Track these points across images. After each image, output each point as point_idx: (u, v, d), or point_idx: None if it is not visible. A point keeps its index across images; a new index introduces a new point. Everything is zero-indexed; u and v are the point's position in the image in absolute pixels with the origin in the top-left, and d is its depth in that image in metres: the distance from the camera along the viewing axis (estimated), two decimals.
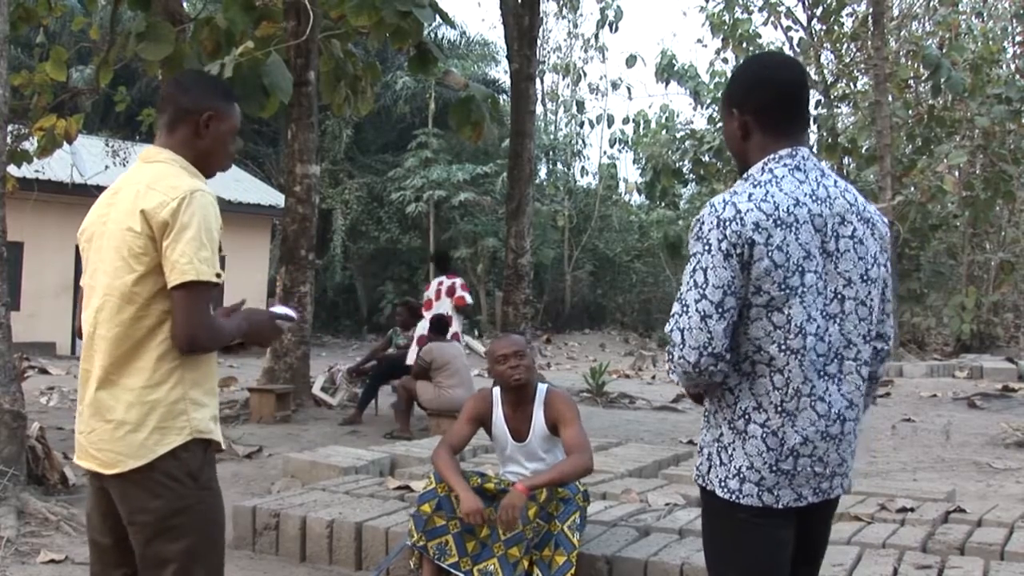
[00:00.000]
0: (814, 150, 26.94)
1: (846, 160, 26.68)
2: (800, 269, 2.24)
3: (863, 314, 2.36)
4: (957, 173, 23.38)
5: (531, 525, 4.14)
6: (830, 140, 25.35)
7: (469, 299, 10.53)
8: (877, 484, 6.15)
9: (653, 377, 17.60)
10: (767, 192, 2.27)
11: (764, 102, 2.39)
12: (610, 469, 6.25)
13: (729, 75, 2.53)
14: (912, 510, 5.06)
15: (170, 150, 2.68)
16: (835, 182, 2.38)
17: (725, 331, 2.22)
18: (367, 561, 4.82)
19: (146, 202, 2.51)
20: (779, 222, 2.23)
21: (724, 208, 2.25)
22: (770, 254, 2.21)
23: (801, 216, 2.26)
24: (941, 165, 22.25)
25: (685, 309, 2.25)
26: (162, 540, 2.50)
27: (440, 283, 10.47)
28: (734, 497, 2.33)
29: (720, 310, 2.21)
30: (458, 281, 10.49)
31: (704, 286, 2.22)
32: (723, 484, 2.35)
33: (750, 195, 2.27)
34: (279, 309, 2.94)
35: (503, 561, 4.15)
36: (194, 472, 2.56)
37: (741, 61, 26.94)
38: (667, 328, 2.30)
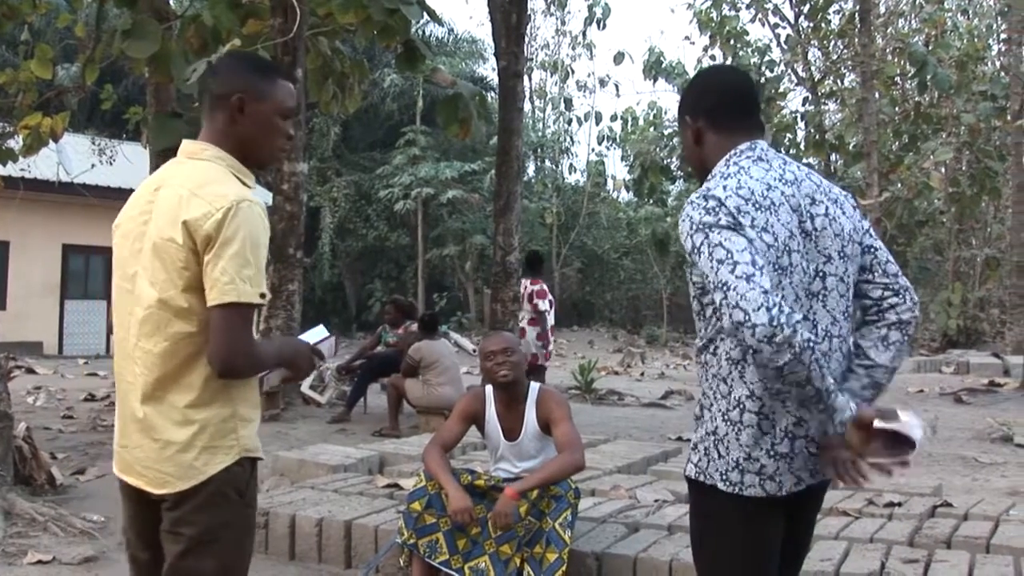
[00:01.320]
0: (802, 147, 27.02)
1: (833, 157, 26.76)
2: (787, 248, 2.26)
3: (842, 291, 2.38)
4: (943, 170, 23.51)
5: (523, 523, 4.15)
6: (817, 137, 25.42)
7: (542, 306, 10.62)
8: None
9: (642, 374, 17.64)
10: (739, 181, 2.30)
11: (712, 103, 2.48)
12: (599, 466, 6.26)
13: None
14: (899, 505, 5.08)
15: (213, 144, 2.49)
16: (798, 167, 2.43)
17: (774, 285, 2.18)
18: (356, 559, 4.82)
19: (189, 211, 2.32)
20: (758, 206, 2.25)
21: (705, 200, 2.26)
22: (759, 234, 2.22)
23: (776, 199, 2.29)
24: (927, 162, 22.34)
25: (726, 287, 2.14)
26: (199, 555, 2.39)
27: (524, 287, 10.63)
28: (737, 489, 2.31)
29: (757, 267, 2.14)
30: (535, 289, 10.57)
31: (729, 256, 2.16)
32: (724, 477, 2.33)
33: (724, 186, 2.29)
34: (316, 334, 2.78)
35: (494, 559, 4.15)
36: (241, 489, 2.45)
37: (729, 60, 26.89)
38: (724, 323, 2.16)
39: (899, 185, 23.01)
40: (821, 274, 2.33)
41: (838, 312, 2.37)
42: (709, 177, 2.42)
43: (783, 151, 27.92)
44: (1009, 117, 21.80)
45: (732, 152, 2.42)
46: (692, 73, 30.06)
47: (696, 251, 2.23)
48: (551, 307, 10.72)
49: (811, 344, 2.11)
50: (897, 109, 25.00)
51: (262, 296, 2.34)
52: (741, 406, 2.31)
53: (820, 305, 2.33)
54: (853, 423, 2.19)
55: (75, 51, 13.49)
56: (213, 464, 2.38)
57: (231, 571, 2.47)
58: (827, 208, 2.38)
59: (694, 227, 2.25)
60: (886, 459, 2.23)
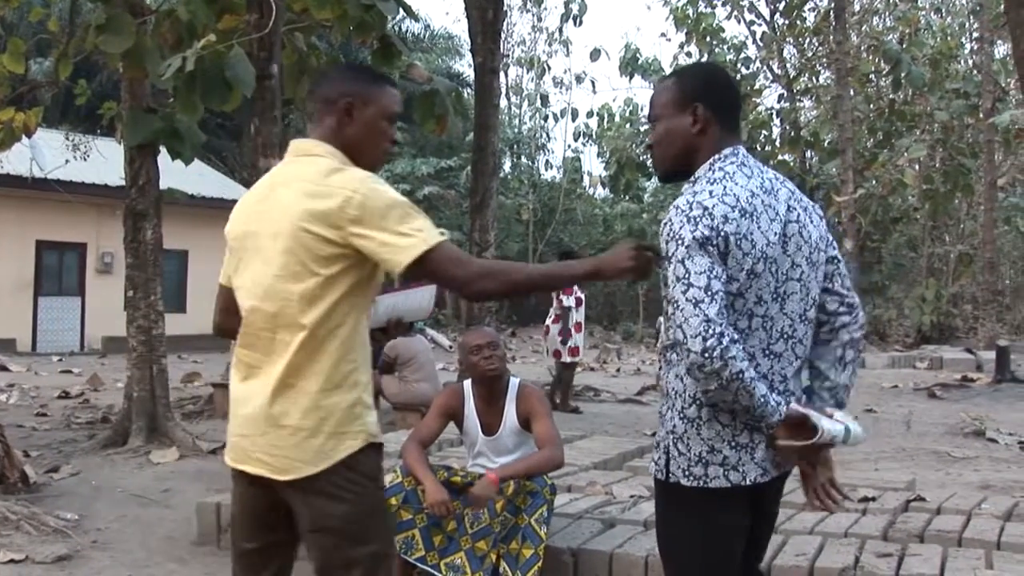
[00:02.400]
0: (777, 144, 27.15)
1: (808, 154, 26.91)
2: (763, 255, 2.34)
3: (803, 296, 2.46)
4: (917, 167, 23.67)
5: (498, 518, 4.15)
6: (793, 134, 25.56)
7: (567, 302, 10.91)
8: (839, 474, 6.20)
9: (618, 370, 17.70)
10: (725, 187, 2.36)
11: (723, 99, 2.53)
12: (575, 462, 6.27)
13: (681, 73, 2.60)
14: (874, 499, 5.12)
15: (323, 142, 2.57)
16: (774, 175, 2.51)
17: (719, 313, 2.24)
18: None
19: (322, 203, 2.39)
20: (743, 213, 2.32)
21: (691, 208, 2.32)
22: (739, 243, 2.30)
23: (758, 206, 2.36)
24: (902, 159, 22.51)
25: (676, 305, 2.28)
26: (351, 544, 2.42)
27: None
28: (701, 483, 2.37)
29: (709, 293, 2.24)
30: None
31: (687, 276, 2.27)
32: (687, 473, 2.39)
33: (710, 192, 2.35)
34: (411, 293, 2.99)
35: (470, 554, 4.15)
36: (374, 475, 2.50)
37: (704, 57, 26.97)
38: (669, 336, 2.33)
39: (874, 182, 23.19)
40: (788, 279, 2.41)
41: (795, 315, 2.44)
42: (692, 180, 2.47)
43: (758, 148, 28.06)
44: (981, 115, 22.00)
45: (716, 157, 2.46)
46: (667, 71, 30.17)
47: (667, 258, 2.33)
48: (578, 304, 10.97)
49: (740, 375, 2.24)
50: (872, 106, 25.16)
51: (442, 233, 2.41)
52: (698, 402, 2.38)
53: (778, 308, 2.40)
54: (782, 423, 2.34)
55: (48, 45, 13.39)
56: (340, 449, 2.42)
57: (382, 559, 2.51)
58: (799, 215, 2.46)
59: (671, 235, 2.32)
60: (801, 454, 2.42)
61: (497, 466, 4.38)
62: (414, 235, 2.36)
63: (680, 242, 2.29)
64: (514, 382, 4.49)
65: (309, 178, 2.45)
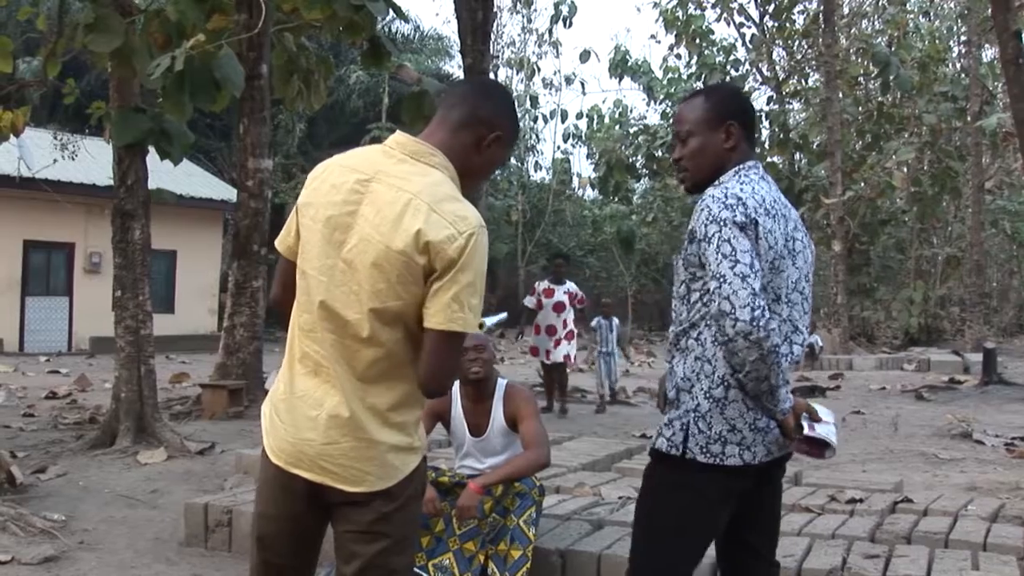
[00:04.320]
0: (766, 146, 27.21)
1: (797, 156, 26.98)
2: (783, 253, 2.57)
3: (805, 308, 2.69)
4: (905, 169, 23.76)
5: (487, 520, 4.15)
6: (782, 136, 25.63)
7: (528, 302, 11.32)
8: (827, 476, 6.24)
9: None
10: (753, 188, 2.59)
11: (750, 120, 2.78)
12: (564, 463, 6.28)
13: (711, 92, 2.73)
14: (861, 501, 5.14)
15: (443, 152, 2.39)
16: (784, 199, 2.73)
17: (763, 289, 2.45)
18: (320, 557, 4.79)
19: (432, 232, 2.23)
20: (768, 211, 2.55)
21: (727, 197, 2.52)
22: (766, 236, 2.51)
23: (778, 212, 2.60)
24: (890, 161, 22.59)
25: (723, 279, 2.45)
26: (396, 553, 2.40)
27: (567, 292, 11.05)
28: (718, 460, 2.54)
29: (753, 270, 2.44)
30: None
31: (733, 254, 2.45)
32: (704, 450, 2.55)
33: (742, 187, 2.57)
34: (495, 318, 2.99)
35: (458, 555, 4.15)
36: (424, 488, 2.52)
37: (694, 59, 26.85)
38: (711, 309, 2.49)
39: (862, 184, 23.25)
40: (794, 288, 2.62)
41: (800, 323, 2.66)
42: (716, 184, 2.64)
43: None
44: (969, 118, 22.11)
45: (740, 167, 2.67)
46: (657, 72, 30.23)
47: (707, 239, 2.50)
48: (536, 304, 11.11)
49: (777, 350, 2.44)
50: (860, 109, 25.25)
51: (480, 326, 2.41)
52: (726, 383, 2.54)
53: (788, 312, 2.61)
54: (792, 412, 2.56)
55: (37, 44, 13.35)
56: (409, 464, 2.40)
57: (411, 567, 2.53)
58: (802, 238, 2.70)
59: (711, 218, 2.50)
60: (806, 456, 2.70)
61: (484, 466, 4.38)
62: (467, 314, 2.27)
63: (723, 223, 2.48)
64: (501, 383, 4.48)
65: (424, 195, 2.28)
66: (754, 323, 2.39)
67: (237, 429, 8.86)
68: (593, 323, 12.22)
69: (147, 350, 8.16)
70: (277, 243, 2.51)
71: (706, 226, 2.50)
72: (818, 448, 2.64)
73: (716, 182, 2.66)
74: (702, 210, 2.53)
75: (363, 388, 2.33)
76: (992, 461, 8.13)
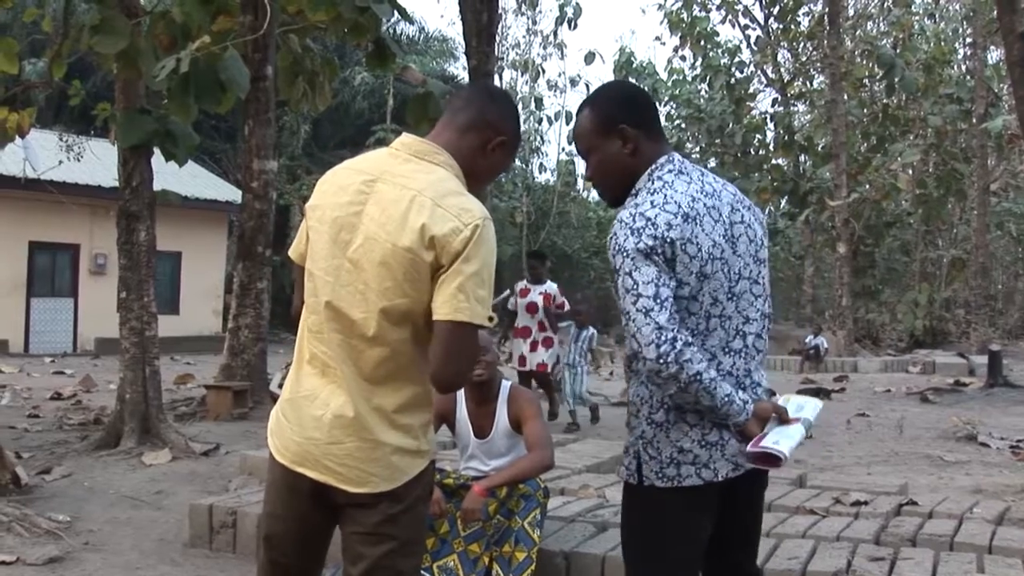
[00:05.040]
0: (771, 148, 27.15)
1: (802, 158, 26.96)
2: (711, 256, 2.39)
3: (757, 291, 2.54)
4: (911, 171, 23.74)
5: (491, 521, 4.15)
6: (786, 138, 25.62)
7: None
8: (832, 478, 6.23)
9: (611, 373, 17.67)
10: (665, 196, 2.41)
11: (645, 113, 2.58)
12: (568, 465, 6.27)
13: (594, 100, 2.67)
14: (866, 503, 5.13)
15: (449, 152, 2.40)
16: (713, 178, 2.57)
17: (670, 319, 2.29)
18: (326, 559, 4.80)
19: (436, 226, 2.24)
20: (686, 218, 2.37)
21: (634, 220, 2.37)
22: (685, 248, 2.35)
23: (700, 210, 2.41)
24: (895, 163, 22.57)
25: (627, 315, 2.33)
26: (403, 555, 2.39)
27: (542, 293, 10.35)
28: (675, 483, 2.43)
29: (658, 301, 2.30)
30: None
31: (635, 287, 2.32)
32: (660, 475, 2.45)
33: (652, 202, 2.40)
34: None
35: (463, 557, 4.15)
36: (431, 490, 2.51)
37: (699, 60, 26.75)
38: (625, 348, 2.38)
39: (867, 186, 23.24)
40: (739, 277, 2.48)
41: (752, 311, 2.52)
42: (634, 192, 2.50)
43: (752, 152, 28.12)
44: (974, 120, 22.07)
45: (653, 167, 2.51)
46: (661, 74, 30.19)
47: (615, 272, 2.38)
48: (531, 310, 10.27)
49: (698, 377, 2.29)
50: (865, 111, 25.23)
51: (489, 319, 2.31)
52: (665, 406, 2.44)
53: (734, 307, 2.47)
54: (754, 419, 2.39)
55: (42, 46, 13.37)
56: (415, 467, 2.38)
57: (418, 569, 2.51)
58: (743, 216, 2.53)
59: (617, 248, 2.38)
60: (760, 466, 2.44)
61: (489, 468, 4.38)
62: (473, 304, 2.25)
63: (625, 254, 2.34)
64: (505, 385, 4.48)
65: (428, 192, 2.29)
66: (660, 360, 2.26)
67: (242, 430, 8.87)
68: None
69: (152, 351, 8.17)
70: (291, 252, 2.51)
71: (613, 257, 2.38)
72: (767, 459, 2.40)
73: (633, 191, 2.50)
74: (611, 237, 2.41)
75: (369, 389, 2.33)
76: (997, 464, 8.12)
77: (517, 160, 34.57)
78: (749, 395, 2.45)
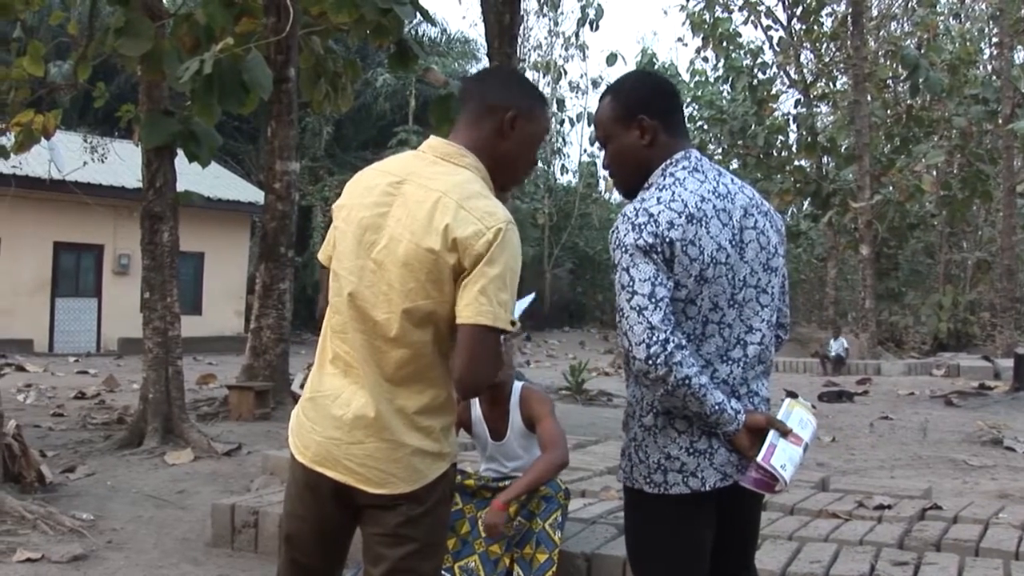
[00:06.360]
0: (793, 149, 27.06)
1: (825, 159, 26.83)
2: (713, 260, 2.32)
3: (765, 301, 2.45)
4: (935, 173, 23.58)
5: (512, 523, 4.14)
6: (809, 139, 25.49)
7: None
8: (855, 482, 6.19)
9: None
10: (674, 193, 2.35)
11: (667, 106, 2.51)
12: (589, 467, 6.26)
13: (617, 88, 2.62)
14: (889, 507, 5.09)
15: (472, 152, 2.38)
16: (732, 179, 2.48)
17: (664, 320, 2.25)
18: (347, 559, 4.81)
19: (459, 228, 2.22)
20: (691, 218, 2.30)
21: (637, 215, 2.32)
22: (685, 249, 2.28)
23: (708, 211, 2.34)
24: (919, 165, 22.43)
25: (621, 313, 2.29)
26: (423, 558, 2.39)
27: None
28: (662, 490, 2.38)
29: (652, 300, 2.25)
30: None
31: (631, 284, 2.27)
32: (648, 480, 2.40)
33: (658, 199, 2.34)
34: (524, 302, 2.84)
35: (484, 558, 4.15)
36: (451, 493, 2.50)
37: (722, 61, 26.70)
38: (618, 344, 2.32)
39: (891, 188, 23.11)
40: (744, 284, 2.39)
41: (756, 321, 2.43)
42: (647, 187, 2.44)
43: (775, 153, 28.00)
44: (1000, 121, 21.89)
45: (667, 162, 2.44)
46: (684, 76, 30.10)
47: (614, 267, 2.33)
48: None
49: (687, 381, 2.24)
50: (889, 112, 25.08)
51: (512, 324, 2.28)
52: (655, 410, 2.39)
53: (736, 315, 2.39)
54: (744, 429, 2.33)
55: (68, 48, 13.46)
56: (435, 469, 2.37)
57: (439, 570, 2.50)
58: (756, 221, 2.44)
59: (617, 242, 2.33)
60: (752, 487, 2.36)
61: (507, 470, 4.38)
62: (496, 308, 2.23)
63: (624, 250, 2.30)
64: (517, 386, 4.47)
65: (453, 194, 2.27)
66: (649, 360, 2.21)
67: (264, 430, 8.90)
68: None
69: (175, 351, 8.22)
70: (320, 255, 2.51)
71: (613, 251, 2.34)
72: (768, 479, 2.32)
73: (646, 183, 2.45)
74: (613, 231, 2.35)
75: (391, 390, 2.32)
76: (1023, 468, 8.04)
77: (539, 162, 34.65)
78: (744, 405, 2.38)
